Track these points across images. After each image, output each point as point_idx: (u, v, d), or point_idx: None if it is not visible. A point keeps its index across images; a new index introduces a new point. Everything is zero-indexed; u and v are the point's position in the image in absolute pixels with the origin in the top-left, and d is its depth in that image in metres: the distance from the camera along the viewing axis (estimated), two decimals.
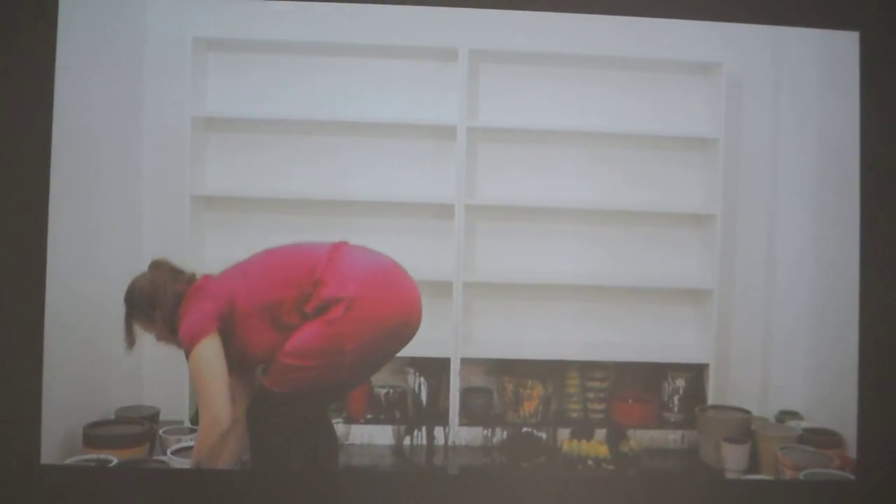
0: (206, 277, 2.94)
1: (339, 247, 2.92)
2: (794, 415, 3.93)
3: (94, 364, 3.60)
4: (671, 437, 4.01)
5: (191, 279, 2.94)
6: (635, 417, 4.02)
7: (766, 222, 4.12)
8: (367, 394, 3.94)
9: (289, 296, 2.81)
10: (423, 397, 3.97)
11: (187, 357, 2.78)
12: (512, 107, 4.06)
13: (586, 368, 4.06)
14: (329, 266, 2.83)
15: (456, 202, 3.94)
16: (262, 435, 2.91)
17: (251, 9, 3.93)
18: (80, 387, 3.49)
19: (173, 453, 3.43)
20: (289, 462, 2.93)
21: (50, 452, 3.16)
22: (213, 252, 3.95)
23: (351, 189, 3.95)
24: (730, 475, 3.67)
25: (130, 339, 2.94)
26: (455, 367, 3.90)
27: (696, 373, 4.05)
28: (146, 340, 3.89)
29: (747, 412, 3.88)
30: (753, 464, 3.70)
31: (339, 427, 3.81)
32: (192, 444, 3.40)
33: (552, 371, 4.02)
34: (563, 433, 3.91)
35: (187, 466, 3.29)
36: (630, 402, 4.07)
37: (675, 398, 4.05)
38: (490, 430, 3.92)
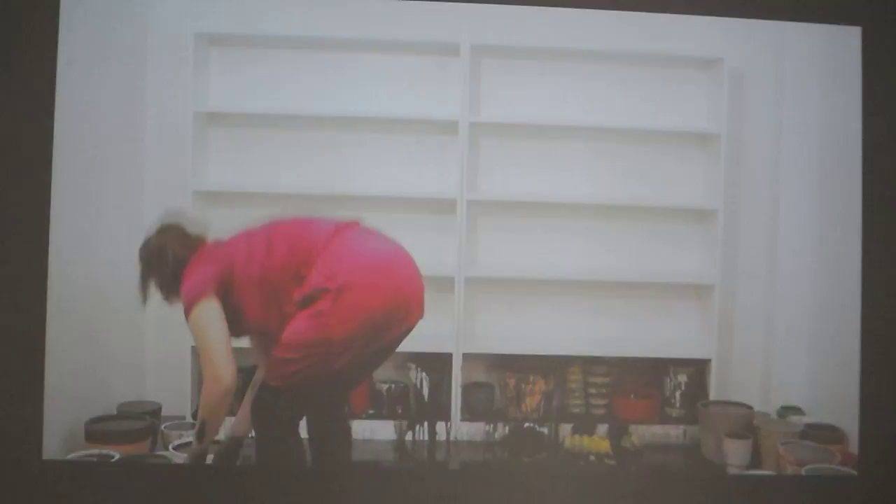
0: (213, 242, 2.99)
1: (342, 229, 2.91)
2: (796, 410, 3.93)
3: (96, 359, 3.61)
4: (673, 433, 4.01)
5: (198, 243, 2.98)
6: (637, 413, 4.02)
7: (768, 218, 4.12)
8: (368, 389, 3.94)
9: (284, 276, 2.83)
10: (425, 393, 3.97)
11: (186, 318, 2.82)
12: (514, 102, 4.06)
13: (588, 364, 4.06)
14: (325, 250, 2.84)
15: (458, 197, 3.94)
16: (263, 429, 2.92)
17: (253, 4, 3.93)
18: (82, 382, 3.49)
19: (175, 449, 3.43)
20: (290, 457, 2.93)
21: (52, 448, 3.17)
22: None
23: (353, 184, 3.95)
24: (731, 470, 3.67)
25: (143, 296, 2.98)
26: (457, 363, 3.91)
27: (698, 368, 4.05)
28: (149, 334, 3.94)
29: (749, 407, 3.89)
30: (755, 459, 3.70)
31: None
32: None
33: (554, 366, 4.01)
34: (565, 429, 3.91)
35: (189, 462, 3.30)
36: (632, 397, 4.07)
37: (677, 393, 4.05)
38: (492, 426, 3.92)
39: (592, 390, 4.07)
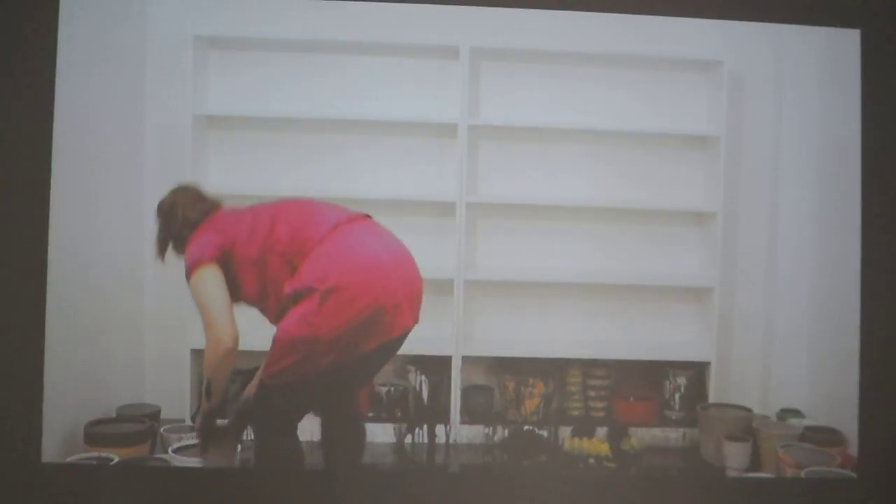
0: (227, 209, 3.05)
1: (342, 226, 2.91)
2: (796, 413, 3.93)
3: (96, 362, 3.61)
4: (672, 435, 4.01)
5: (212, 207, 3.04)
6: (637, 415, 4.02)
7: (768, 220, 4.12)
8: (368, 392, 3.94)
9: (280, 261, 2.86)
10: (425, 395, 3.97)
11: (187, 282, 2.86)
12: (513, 105, 4.06)
13: (587, 366, 4.06)
14: (320, 245, 2.84)
15: (457, 200, 3.94)
16: (260, 430, 2.93)
17: (252, 7, 3.93)
18: (81, 385, 3.48)
19: (174, 451, 3.43)
20: (289, 457, 2.93)
21: (51, 450, 3.16)
22: None
23: (352, 187, 3.96)
24: (731, 473, 3.67)
25: (158, 252, 3.05)
26: (456, 365, 3.90)
27: (698, 371, 4.05)
28: (148, 337, 3.94)
29: (748, 410, 3.88)
30: (755, 462, 3.70)
31: None
32: (193, 442, 3.41)
33: (553, 369, 4.01)
34: (565, 431, 3.91)
35: (189, 465, 3.30)
36: (631, 399, 4.07)
37: (677, 396, 4.05)
38: (491, 429, 3.92)
39: (592, 393, 4.07)
